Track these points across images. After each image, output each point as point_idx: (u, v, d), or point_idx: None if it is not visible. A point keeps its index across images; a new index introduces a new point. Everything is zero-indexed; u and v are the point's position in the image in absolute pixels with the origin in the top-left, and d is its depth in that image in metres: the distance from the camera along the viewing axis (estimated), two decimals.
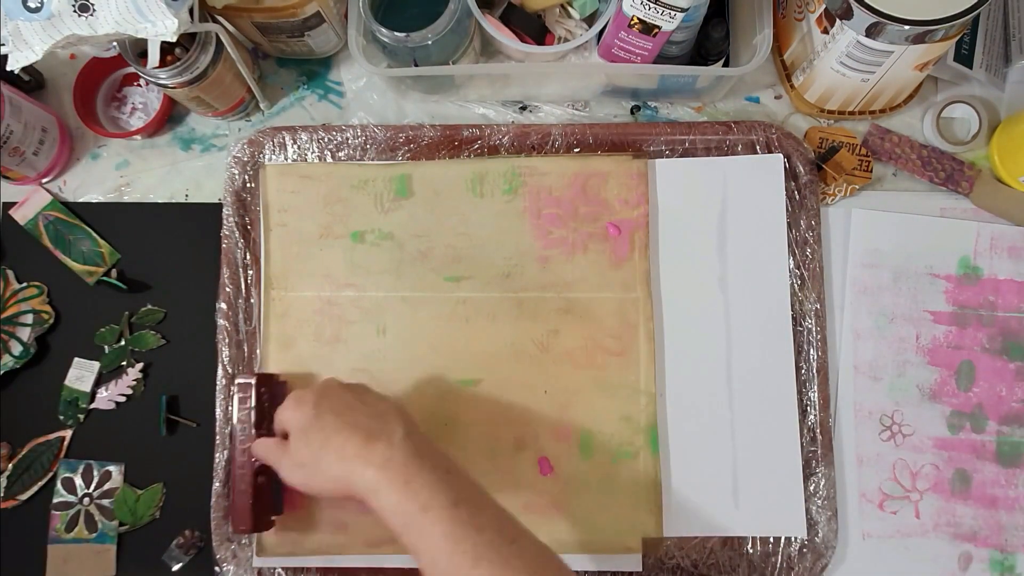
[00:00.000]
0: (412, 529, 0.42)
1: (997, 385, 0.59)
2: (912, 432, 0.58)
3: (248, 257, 0.60)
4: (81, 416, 0.60)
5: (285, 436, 0.49)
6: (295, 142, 0.61)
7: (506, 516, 0.44)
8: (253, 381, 0.54)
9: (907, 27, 0.49)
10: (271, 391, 0.55)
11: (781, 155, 0.59)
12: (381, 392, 0.51)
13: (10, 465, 0.59)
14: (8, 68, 0.48)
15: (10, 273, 0.61)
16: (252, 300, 0.59)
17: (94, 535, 0.58)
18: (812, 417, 0.57)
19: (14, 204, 0.62)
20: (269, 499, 0.54)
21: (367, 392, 0.50)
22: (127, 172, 0.63)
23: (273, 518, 0.54)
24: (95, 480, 0.59)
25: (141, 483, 0.59)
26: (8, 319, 0.59)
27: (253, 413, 0.53)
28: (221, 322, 0.59)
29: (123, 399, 0.60)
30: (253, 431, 0.53)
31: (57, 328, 0.60)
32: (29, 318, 0.60)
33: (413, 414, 0.49)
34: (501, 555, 0.41)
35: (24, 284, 0.61)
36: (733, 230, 0.59)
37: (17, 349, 0.59)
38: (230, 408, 0.55)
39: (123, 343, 0.60)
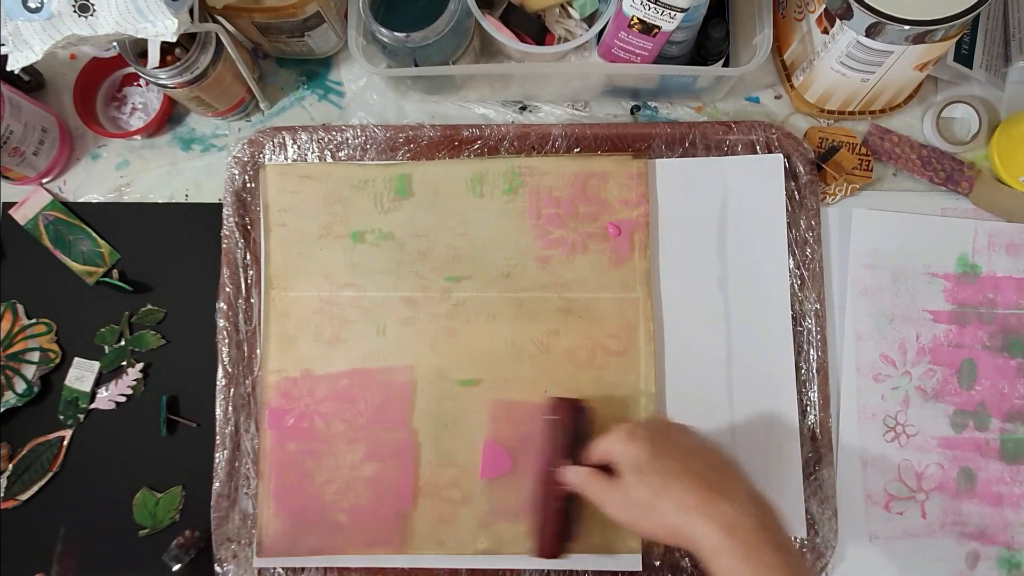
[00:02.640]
0: None
1: (999, 382, 0.59)
2: (916, 432, 0.58)
3: (248, 257, 0.60)
4: (81, 416, 0.60)
5: (600, 467, 0.48)
6: (295, 142, 0.61)
7: None
8: (574, 404, 0.52)
9: (907, 27, 0.49)
10: (580, 415, 0.53)
11: (781, 155, 0.59)
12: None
13: (10, 465, 0.59)
14: (8, 68, 0.48)
15: (20, 307, 0.61)
16: (252, 300, 0.59)
17: None
18: (812, 417, 0.57)
19: (14, 204, 0.62)
20: (570, 526, 0.53)
21: (697, 435, 0.48)
22: (127, 172, 0.63)
23: (568, 543, 0.53)
24: None
25: (140, 484, 0.59)
26: (14, 355, 0.59)
27: (568, 437, 0.51)
28: (221, 322, 0.59)
29: (123, 399, 0.60)
30: (566, 457, 0.51)
31: (61, 366, 0.60)
32: (35, 356, 0.60)
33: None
34: None
35: (33, 320, 0.60)
36: (733, 230, 0.59)
37: (21, 387, 0.59)
38: (544, 430, 0.52)
39: (123, 343, 0.60)
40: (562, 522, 0.52)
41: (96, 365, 0.60)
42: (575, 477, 0.49)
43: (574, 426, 0.52)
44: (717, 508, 0.42)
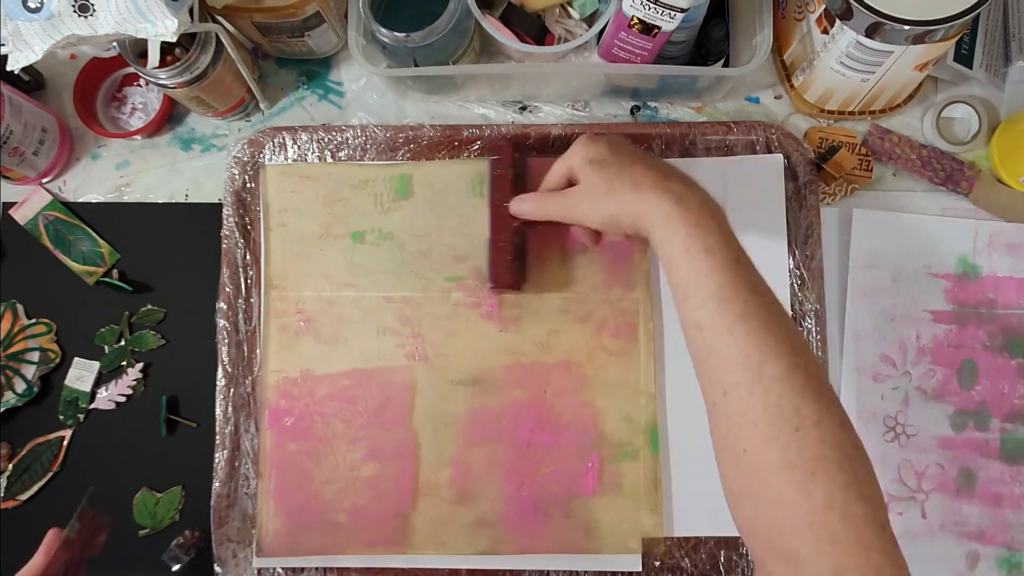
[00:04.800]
0: (689, 265, 0.42)
1: (999, 383, 0.59)
2: (916, 432, 0.58)
3: (248, 257, 0.60)
4: (81, 416, 0.60)
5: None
6: (295, 142, 0.61)
7: (772, 293, 0.42)
8: (514, 142, 0.55)
9: (907, 27, 0.49)
10: (521, 155, 0.56)
11: (781, 155, 0.59)
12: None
13: (10, 465, 0.59)
14: (8, 68, 0.48)
15: (20, 307, 0.61)
16: (252, 300, 0.59)
17: None
18: None
19: (14, 204, 0.62)
20: (522, 262, 0.56)
21: None
22: (127, 172, 0.63)
23: (522, 280, 0.56)
24: None
25: (140, 483, 0.59)
26: (14, 355, 0.59)
27: (511, 172, 0.54)
28: (221, 322, 0.59)
29: (123, 399, 0.60)
30: (510, 191, 0.54)
31: (61, 366, 0.60)
32: (35, 356, 0.60)
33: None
34: (766, 317, 0.40)
35: (33, 320, 0.60)
36: (733, 230, 0.59)
37: (21, 387, 0.59)
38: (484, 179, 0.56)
39: (123, 343, 0.60)
40: (516, 257, 0.55)
41: (96, 365, 0.60)
42: (523, 204, 0.52)
43: (514, 168, 0.55)
44: (669, 185, 0.45)
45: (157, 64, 0.53)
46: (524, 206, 0.52)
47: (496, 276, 0.55)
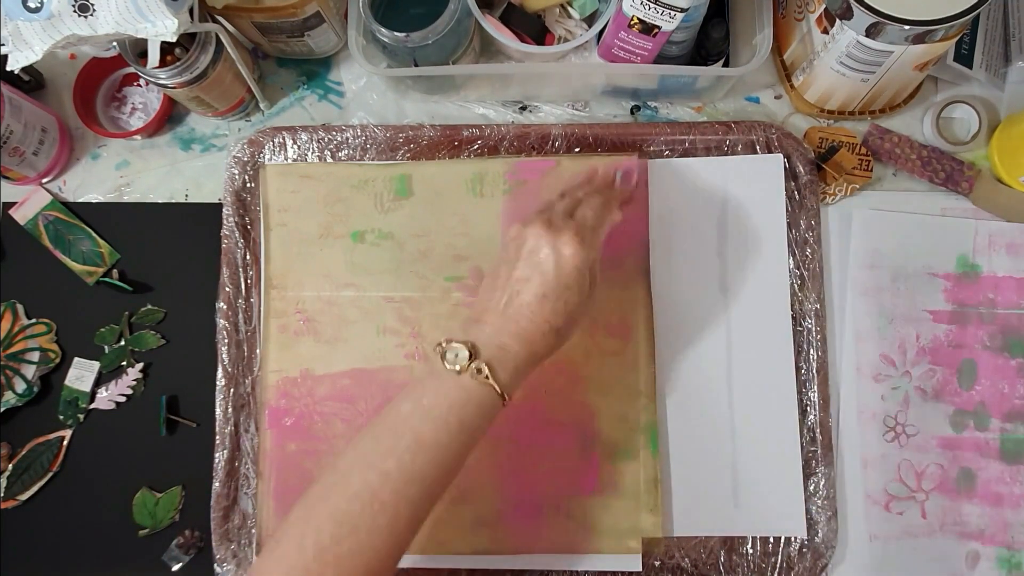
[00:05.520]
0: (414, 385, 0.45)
1: (999, 382, 0.59)
2: (916, 432, 0.58)
3: (248, 257, 0.60)
4: (81, 416, 0.60)
5: None
6: (295, 142, 0.61)
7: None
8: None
9: (907, 27, 0.49)
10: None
11: (781, 155, 0.59)
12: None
13: (10, 465, 0.59)
14: (8, 68, 0.48)
15: (20, 307, 0.61)
16: (252, 300, 0.59)
17: None
18: (812, 417, 0.57)
19: (14, 204, 0.62)
20: None
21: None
22: (127, 172, 0.63)
23: None
24: None
25: (140, 483, 0.59)
26: (14, 355, 0.59)
27: None
28: (221, 322, 0.59)
29: (123, 399, 0.60)
30: None
31: (61, 366, 0.60)
32: (35, 356, 0.60)
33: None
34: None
35: (33, 320, 0.60)
36: (733, 230, 0.59)
37: (21, 387, 0.59)
38: None
39: (123, 343, 0.60)
40: None
41: (96, 365, 0.60)
42: None
43: None
44: (481, 327, 0.46)
45: (157, 64, 0.53)
46: None
47: None
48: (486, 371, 0.43)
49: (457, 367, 0.44)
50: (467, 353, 0.44)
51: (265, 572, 0.41)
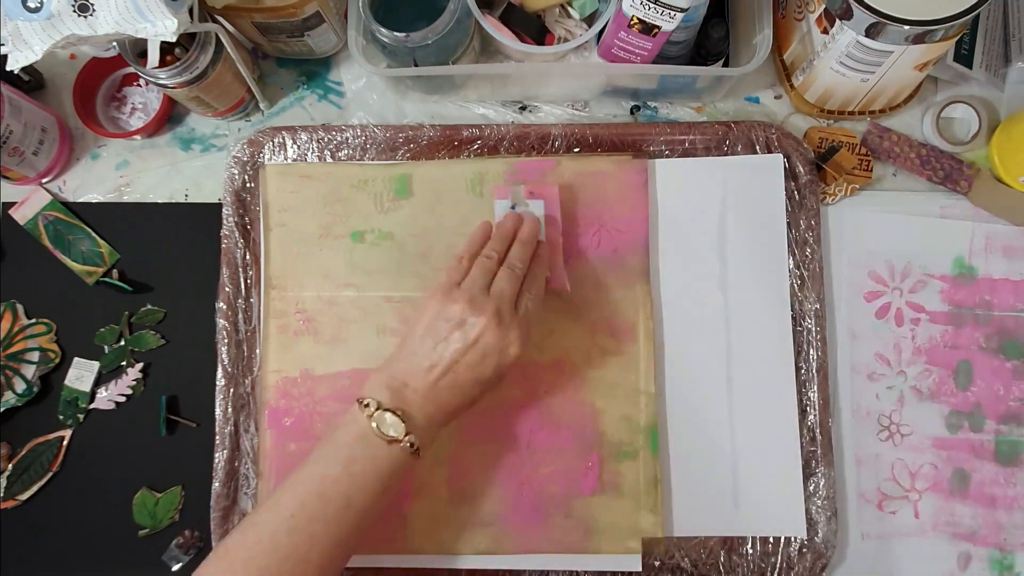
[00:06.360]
0: (327, 440, 0.47)
1: (995, 384, 0.59)
2: (911, 432, 0.58)
3: (248, 257, 0.60)
4: (81, 416, 0.60)
5: None
6: (295, 142, 0.61)
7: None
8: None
9: (907, 27, 0.49)
10: None
11: (781, 155, 0.59)
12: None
13: (10, 465, 0.59)
14: (8, 68, 0.48)
15: (20, 307, 0.61)
16: (252, 300, 0.59)
17: None
18: (812, 417, 0.57)
19: (14, 204, 0.62)
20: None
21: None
22: (127, 172, 0.63)
23: None
24: None
25: (140, 483, 0.59)
26: (14, 355, 0.59)
27: None
28: (221, 322, 0.59)
29: (123, 399, 0.60)
30: None
31: (61, 366, 0.60)
32: (35, 355, 0.60)
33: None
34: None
35: (33, 320, 0.60)
36: (733, 230, 0.59)
37: (21, 387, 0.59)
38: None
39: (123, 343, 0.60)
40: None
41: (96, 365, 0.60)
42: None
43: None
44: (401, 392, 0.48)
45: (157, 64, 0.53)
46: None
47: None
48: (417, 444, 0.46)
49: (390, 436, 0.46)
50: (403, 426, 0.46)
51: None
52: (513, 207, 0.56)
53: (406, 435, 0.46)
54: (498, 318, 0.47)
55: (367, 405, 0.46)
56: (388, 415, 0.46)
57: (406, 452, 0.46)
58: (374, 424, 0.46)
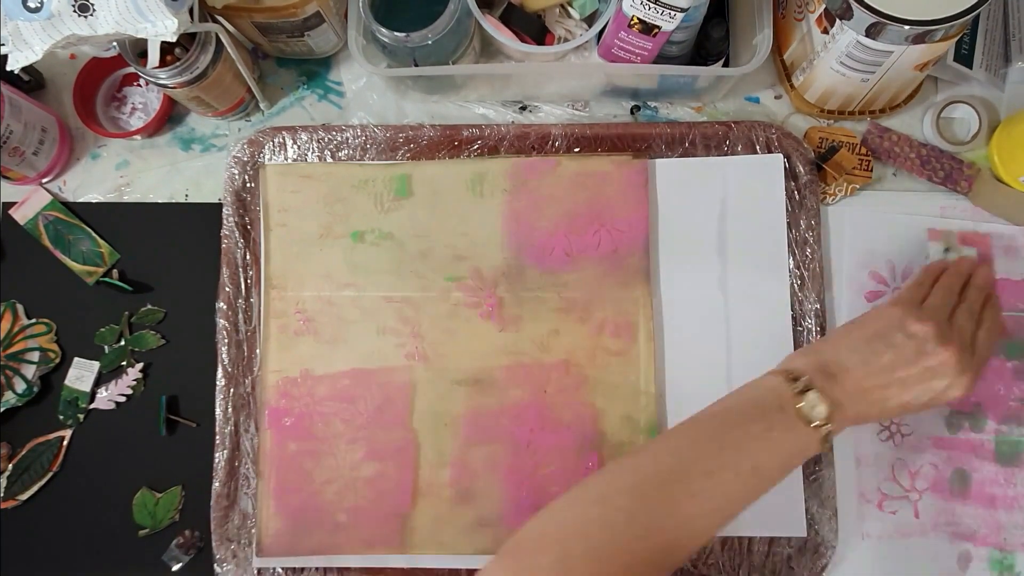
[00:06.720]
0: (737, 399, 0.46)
1: (995, 384, 0.59)
2: (911, 432, 0.58)
3: (248, 257, 0.60)
4: (81, 416, 0.60)
5: None
6: (295, 142, 0.61)
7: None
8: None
9: (907, 27, 0.49)
10: None
11: (781, 155, 0.59)
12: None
13: (10, 465, 0.59)
14: (8, 68, 0.48)
15: (20, 307, 0.61)
16: (252, 300, 0.59)
17: None
18: None
19: (14, 204, 0.62)
20: None
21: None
22: (127, 172, 0.63)
23: None
24: None
25: (140, 484, 0.59)
26: (14, 355, 0.59)
27: None
28: (221, 322, 0.59)
29: (123, 399, 0.60)
30: None
31: (61, 366, 0.60)
32: (35, 356, 0.60)
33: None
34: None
35: (33, 320, 0.60)
36: (733, 230, 0.59)
37: (21, 387, 0.59)
38: None
39: (123, 343, 0.60)
40: None
41: (96, 365, 0.60)
42: None
43: None
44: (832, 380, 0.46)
45: (157, 64, 0.53)
46: None
47: None
48: (831, 439, 0.44)
49: (814, 421, 0.44)
50: (826, 414, 0.44)
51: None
52: (946, 250, 0.57)
53: (826, 423, 0.43)
54: (959, 355, 0.45)
55: (796, 380, 0.44)
56: (817, 397, 0.44)
57: (815, 440, 0.44)
58: (803, 403, 0.43)
